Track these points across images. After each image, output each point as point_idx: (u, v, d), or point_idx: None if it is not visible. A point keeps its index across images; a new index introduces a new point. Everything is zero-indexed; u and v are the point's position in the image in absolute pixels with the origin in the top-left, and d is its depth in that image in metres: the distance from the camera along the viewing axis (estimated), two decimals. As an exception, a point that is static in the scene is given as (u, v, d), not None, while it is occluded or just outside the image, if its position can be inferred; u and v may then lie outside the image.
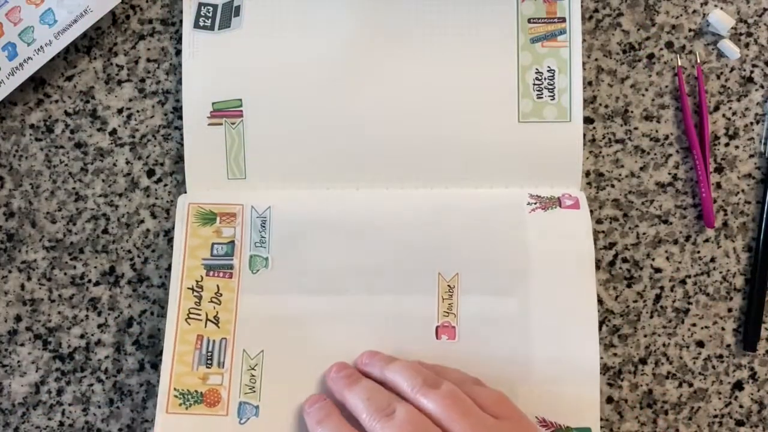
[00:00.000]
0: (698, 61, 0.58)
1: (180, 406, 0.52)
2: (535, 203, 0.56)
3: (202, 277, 0.55)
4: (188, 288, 0.55)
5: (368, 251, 0.55)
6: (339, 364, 0.53)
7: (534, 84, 0.57)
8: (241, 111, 0.57)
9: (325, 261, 0.55)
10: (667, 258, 0.58)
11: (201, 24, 0.57)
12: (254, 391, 0.53)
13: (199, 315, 0.54)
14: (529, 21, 0.57)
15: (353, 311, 0.55)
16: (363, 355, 0.54)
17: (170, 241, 0.57)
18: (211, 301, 0.54)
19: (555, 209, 0.55)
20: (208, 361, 0.53)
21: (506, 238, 0.55)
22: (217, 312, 0.54)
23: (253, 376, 0.53)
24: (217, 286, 0.55)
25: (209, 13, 0.57)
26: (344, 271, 0.55)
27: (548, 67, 0.57)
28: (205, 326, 0.54)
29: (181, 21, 0.58)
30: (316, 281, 0.55)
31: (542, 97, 0.57)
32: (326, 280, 0.55)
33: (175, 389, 0.53)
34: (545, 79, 0.57)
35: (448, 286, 0.55)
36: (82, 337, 0.57)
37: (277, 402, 0.53)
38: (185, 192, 0.57)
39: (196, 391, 0.53)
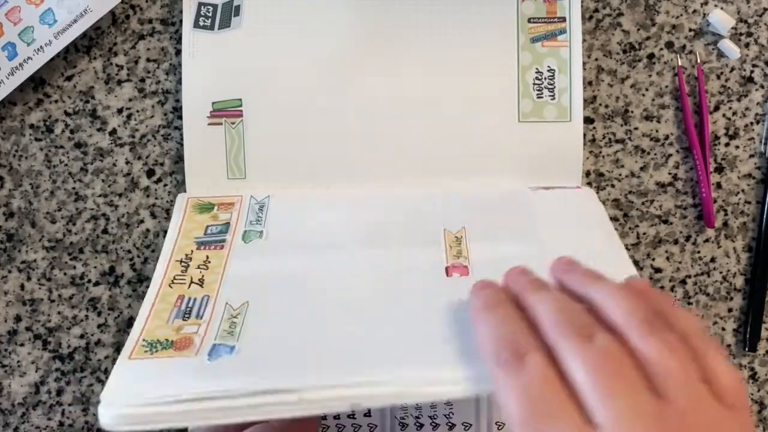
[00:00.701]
0: (698, 61, 0.58)
1: (145, 353, 0.44)
2: (537, 187, 0.56)
3: (192, 251, 0.51)
4: (177, 260, 0.51)
5: (370, 218, 0.54)
6: (520, 267, 0.41)
7: (534, 84, 0.57)
8: (241, 111, 0.57)
9: (324, 229, 0.52)
10: (667, 258, 0.58)
11: (201, 24, 0.57)
12: (232, 335, 0.44)
13: (184, 280, 0.49)
14: (529, 21, 0.57)
15: (351, 264, 0.50)
16: (558, 261, 0.41)
17: (170, 241, 0.58)
18: (198, 268, 0.50)
19: (557, 189, 0.55)
20: (186, 315, 0.46)
21: (511, 207, 0.54)
22: (203, 275, 0.49)
23: (234, 323, 0.45)
24: (207, 256, 0.51)
25: (209, 12, 0.57)
26: (344, 234, 0.52)
27: (548, 66, 0.57)
28: (189, 288, 0.48)
29: (180, 21, 0.58)
30: (313, 242, 0.51)
31: (542, 97, 0.57)
32: (324, 240, 0.51)
33: (144, 340, 0.44)
34: (545, 78, 0.57)
35: (455, 237, 0.51)
36: (81, 337, 0.57)
37: (257, 342, 0.44)
38: (185, 192, 0.57)
39: (166, 340, 0.44)
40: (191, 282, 0.48)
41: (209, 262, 0.50)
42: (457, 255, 0.50)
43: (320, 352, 0.42)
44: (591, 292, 0.38)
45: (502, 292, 0.40)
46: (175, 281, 0.48)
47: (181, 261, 0.50)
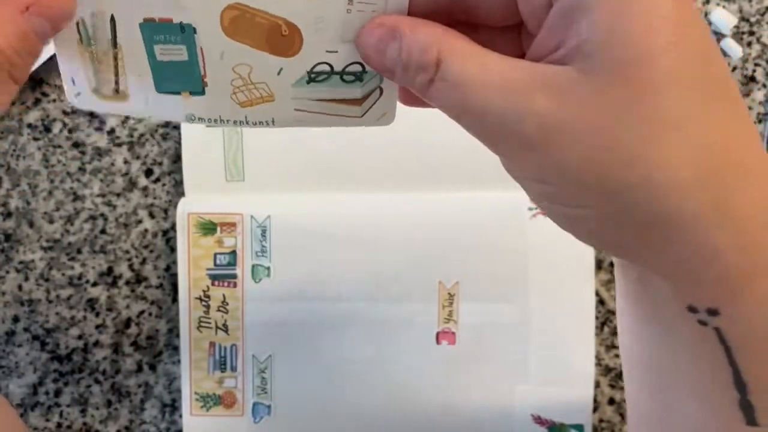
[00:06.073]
0: (700, 60, 0.58)
1: (201, 408, 0.57)
2: (536, 208, 0.55)
3: (208, 287, 0.56)
4: (196, 298, 0.56)
5: (368, 260, 0.56)
6: None
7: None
8: (240, 112, 0.56)
9: (326, 270, 0.56)
10: (669, 258, 0.57)
11: (199, 23, 0.57)
12: (266, 392, 0.57)
13: (209, 323, 0.56)
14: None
15: (354, 318, 0.56)
16: None
17: (168, 241, 0.57)
18: (219, 310, 0.56)
19: None
20: (222, 366, 0.56)
21: (507, 244, 0.56)
22: (225, 320, 0.56)
23: (264, 378, 0.57)
24: (223, 295, 0.56)
25: (207, 12, 0.57)
26: (344, 280, 0.56)
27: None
28: (216, 333, 0.56)
29: (179, 20, 0.57)
30: (317, 290, 0.56)
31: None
32: (327, 288, 0.56)
33: (195, 393, 0.57)
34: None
35: (449, 294, 0.55)
36: (80, 337, 0.57)
37: (288, 402, 0.57)
38: (183, 192, 0.57)
39: (214, 394, 0.57)
40: (217, 327, 0.57)
41: (227, 303, 0.56)
42: (447, 318, 0.56)
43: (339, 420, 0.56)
44: None
45: None
46: (201, 324, 0.56)
47: (200, 299, 0.56)
